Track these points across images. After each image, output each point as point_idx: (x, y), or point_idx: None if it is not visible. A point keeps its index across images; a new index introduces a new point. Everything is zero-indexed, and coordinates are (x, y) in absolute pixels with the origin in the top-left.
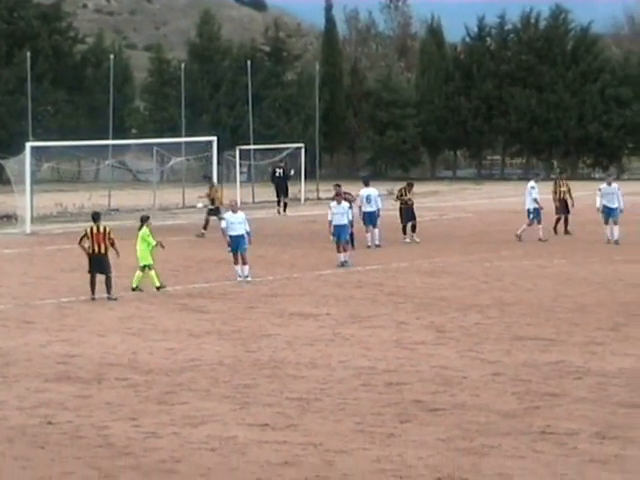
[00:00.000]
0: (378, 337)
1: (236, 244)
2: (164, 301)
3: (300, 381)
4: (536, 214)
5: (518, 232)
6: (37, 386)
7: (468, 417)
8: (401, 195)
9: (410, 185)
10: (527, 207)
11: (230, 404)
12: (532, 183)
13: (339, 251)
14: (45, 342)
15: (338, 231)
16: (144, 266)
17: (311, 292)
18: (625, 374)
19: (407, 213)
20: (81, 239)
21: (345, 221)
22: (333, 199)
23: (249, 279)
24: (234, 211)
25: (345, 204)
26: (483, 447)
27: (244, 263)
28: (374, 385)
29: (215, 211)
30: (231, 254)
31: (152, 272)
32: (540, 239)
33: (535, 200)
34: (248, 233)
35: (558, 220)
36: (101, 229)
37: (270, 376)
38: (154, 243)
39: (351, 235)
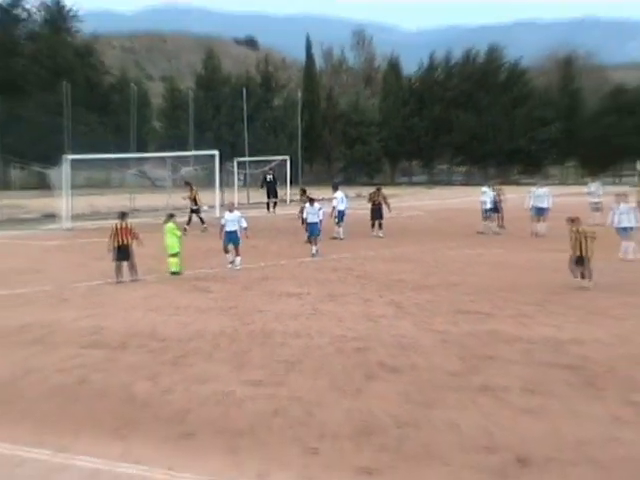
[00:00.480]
0: (349, 311)
1: (229, 238)
2: (177, 284)
3: (286, 347)
4: (490, 212)
5: (494, 230)
6: (73, 352)
7: (422, 376)
8: (372, 198)
9: (379, 189)
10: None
11: (229, 366)
12: (484, 188)
13: (312, 244)
14: (79, 317)
15: (311, 228)
16: (175, 253)
17: (295, 276)
18: (549, 341)
19: (376, 212)
20: (110, 236)
21: (317, 219)
22: (307, 202)
23: (238, 268)
24: (230, 211)
25: (317, 205)
26: (434, 400)
27: (237, 254)
28: (345, 350)
29: (197, 210)
30: (230, 245)
31: (176, 259)
32: (479, 232)
33: (484, 201)
34: (245, 228)
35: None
36: (126, 225)
37: (262, 344)
38: (179, 234)
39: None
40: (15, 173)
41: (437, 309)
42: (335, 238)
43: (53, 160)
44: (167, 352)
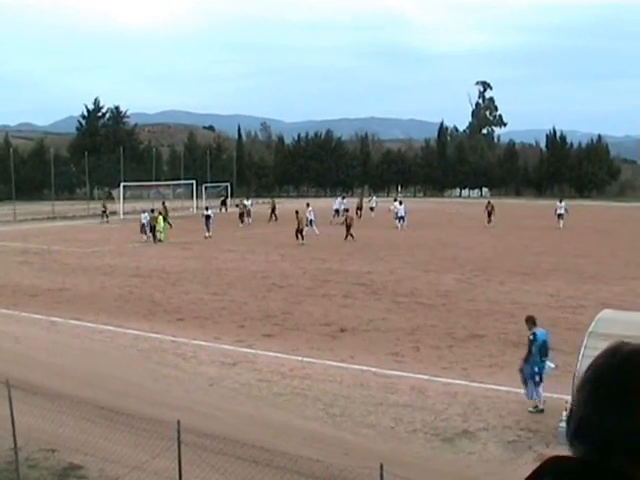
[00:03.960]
0: (259, 259)
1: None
2: (174, 246)
3: (229, 276)
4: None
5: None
6: (125, 278)
7: (294, 288)
8: (274, 206)
9: (242, 201)
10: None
11: (201, 285)
12: (339, 199)
13: (208, 230)
14: (128, 261)
15: (207, 221)
16: (161, 231)
17: (232, 242)
18: (355, 272)
19: (248, 213)
20: (151, 219)
21: (210, 214)
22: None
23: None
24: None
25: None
26: (300, 301)
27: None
28: (257, 277)
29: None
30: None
31: (162, 234)
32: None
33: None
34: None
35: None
36: (155, 217)
37: (217, 275)
38: (163, 222)
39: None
40: (96, 192)
41: (301, 257)
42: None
43: (114, 185)
44: (170, 278)
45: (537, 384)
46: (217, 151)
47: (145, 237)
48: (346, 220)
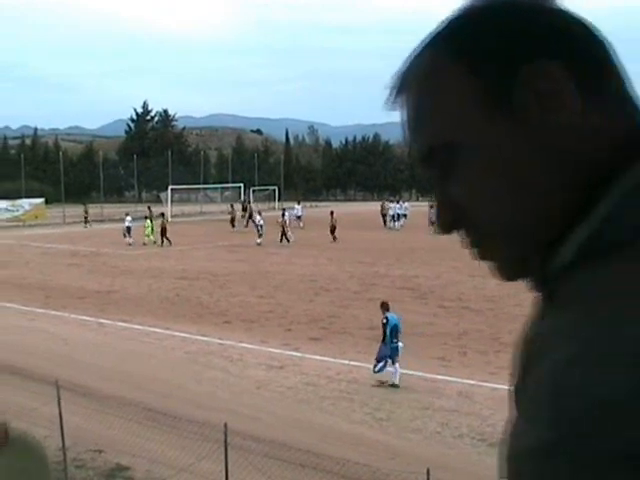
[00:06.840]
0: (306, 262)
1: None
2: (221, 248)
3: (276, 279)
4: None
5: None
6: (172, 281)
7: (341, 293)
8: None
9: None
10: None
11: (247, 288)
12: (390, 204)
13: (259, 236)
14: (175, 264)
15: (258, 228)
16: (148, 234)
17: (277, 247)
18: (402, 276)
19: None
20: (161, 223)
21: (261, 222)
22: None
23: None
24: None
25: (258, 217)
26: (347, 305)
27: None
28: (305, 281)
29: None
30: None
31: (151, 237)
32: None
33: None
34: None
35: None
36: (164, 221)
37: (264, 277)
38: (151, 225)
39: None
40: (144, 195)
41: (345, 261)
42: (301, 228)
43: (162, 188)
44: (217, 281)
45: (392, 363)
46: (265, 154)
47: (126, 241)
48: (332, 222)
